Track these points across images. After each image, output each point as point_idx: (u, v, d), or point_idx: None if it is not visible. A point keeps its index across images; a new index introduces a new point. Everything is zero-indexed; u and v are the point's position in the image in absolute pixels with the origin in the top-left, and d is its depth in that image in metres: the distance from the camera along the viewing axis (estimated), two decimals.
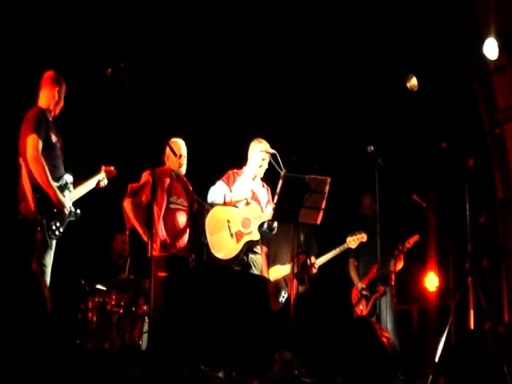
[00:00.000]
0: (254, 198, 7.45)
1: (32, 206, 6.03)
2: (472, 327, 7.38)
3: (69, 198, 6.28)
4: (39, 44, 7.59)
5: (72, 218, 6.27)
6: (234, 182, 7.45)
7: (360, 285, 8.44)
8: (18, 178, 6.18)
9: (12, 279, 5.44)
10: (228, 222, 7.24)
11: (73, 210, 6.28)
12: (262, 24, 9.02)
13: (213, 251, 7.10)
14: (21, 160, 6.26)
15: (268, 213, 7.21)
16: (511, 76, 8.87)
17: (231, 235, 7.20)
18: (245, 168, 7.57)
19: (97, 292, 7.27)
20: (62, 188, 6.25)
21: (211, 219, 7.22)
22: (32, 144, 6.13)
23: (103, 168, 6.73)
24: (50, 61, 7.00)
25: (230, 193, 7.35)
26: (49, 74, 6.46)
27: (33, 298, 5.41)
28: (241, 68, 9.15)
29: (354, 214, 8.76)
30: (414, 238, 8.42)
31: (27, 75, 7.01)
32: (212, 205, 7.28)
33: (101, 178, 6.69)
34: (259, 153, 7.42)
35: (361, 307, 8.30)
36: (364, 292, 8.36)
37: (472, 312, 7.45)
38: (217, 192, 7.31)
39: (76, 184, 6.43)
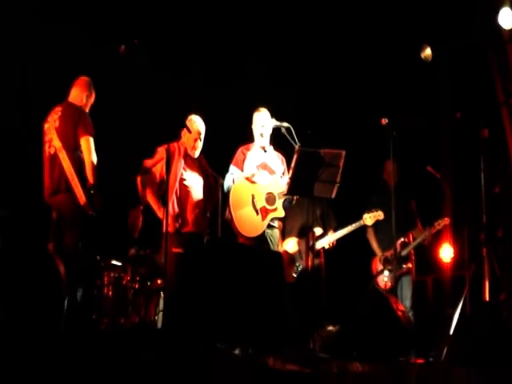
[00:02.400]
0: (268, 169, 7.45)
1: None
2: (487, 298, 7.37)
3: None
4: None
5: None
6: (244, 159, 7.47)
7: (382, 255, 8.41)
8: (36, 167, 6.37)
9: (29, 259, 5.50)
10: (253, 197, 7.25)
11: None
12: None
13: (239, 228, 7.14)
14: (54, 149, 6.54)
15: None
16: None
17: (256, 212, 7.22)
18: (255, 142, 7.57)
19: (112, 267, 7.28)
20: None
21: (235, 194, 7.24)
22: (91, 147, 6.50)
23: None
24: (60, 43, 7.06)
25: (239, 173, 7.37)
26: (88, 79, 6.78)
27: (49, 277, 5.46)
28: (255, 43, 9.11)
29: (374, 182, 8.65)
30: (445, 221, 8.34)
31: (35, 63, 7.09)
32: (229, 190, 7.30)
33: None
34: (257, 122, 7.45)
35: (385, 279, 8.24)
36: (387, 265, 8.30)
37: (487, 283, 7.43)
38: (227, 179, 7.35)
39: None
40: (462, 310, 7.30)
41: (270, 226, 7.33)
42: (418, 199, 8.66)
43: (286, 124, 7.15)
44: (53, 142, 6.57)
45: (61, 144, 6.50)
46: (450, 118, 8.40)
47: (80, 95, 6.72)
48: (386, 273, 8.26)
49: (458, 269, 8.80)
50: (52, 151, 6.58)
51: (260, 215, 7.23)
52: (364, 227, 8.10)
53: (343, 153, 6.64)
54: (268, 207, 7.25)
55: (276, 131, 7.31)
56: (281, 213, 7.30)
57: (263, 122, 7.43)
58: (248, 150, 7.52)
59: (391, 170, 8.15)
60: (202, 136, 7.22)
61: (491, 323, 5.90)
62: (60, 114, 6.66)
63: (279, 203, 7.27)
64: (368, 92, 9.33)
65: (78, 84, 6.75)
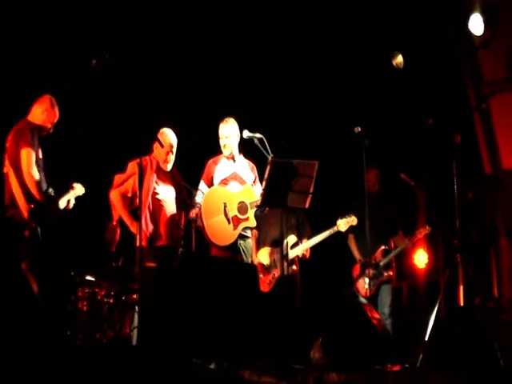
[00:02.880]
0: (238, 179, 7.44)
1: (25, 214, 6.36)
2: (462, 303, 7.39)
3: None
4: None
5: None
6: (213, 172, 7.46)
7: (362, 261, 8.43)
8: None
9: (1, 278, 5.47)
10: (225, 205, 7.22)
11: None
12: (246, 5, 8.95)
13: (210, 237, 7.10)
14: (6, 168, 6.63)
15: None
16: (496, 51, 8.82)
17: (228, 220, 7.19)
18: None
19: (86, 282, 7.25)
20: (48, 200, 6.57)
21: (207, 202, 7.21)
22: (27, 158, 6.48)
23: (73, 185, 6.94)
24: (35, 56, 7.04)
25: (206, 189, 7.38)
26: (49, 97, 6.81)
27: (23, 296, 5.43)
28: (227, 53, 9.12)
29: (350, 189, 8.69)
30: (426, 230, 8.38)
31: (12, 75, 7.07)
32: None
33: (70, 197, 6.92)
34: (221, 133, 7.45)
35: (365, 286, 8.29)
36: (368, 272, 8.33)
37: (461, 288, 7.46)
38: (197, 196, 7.36)
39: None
40: (436, 315, 7.32)
41: (243, 237, 7.33)
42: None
43: (258, 135, 7.12)
44: (5, 162, 6.70)
45: (8, 162, 6.64)
46: (423, 124, 8.40)
47: (37, 112, 6.78)
48: (367, 280, 8.30)
49: (433, 274, 8.84)
50: (5, 170, 6.71)
51: (232, 224, 7.20)
52: (340, 234, 8.10)
53: (316, 163, 6.62)
54: (240, 216, 7.23)
55: (249, 142, 7.29)
56: (252, 222, 7.28)
57: (227, 132, 7.42)
58: (216, 163, 7.51)
59: (373, 177, 8.24)
60: (174, 149, 7.20)
61: (466, 328, 5.92)
62: (12, 132, 6.75)
63: (251, 213, 7.25)
64: (341, 101, 9.34)
65: (38, 101, 6.83)
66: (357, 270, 8.51)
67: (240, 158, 7.58)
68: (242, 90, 9.03)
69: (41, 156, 6.68)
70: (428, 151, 9.21)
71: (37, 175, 6.48)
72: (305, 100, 9.49)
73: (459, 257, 7.55)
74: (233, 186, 7.40)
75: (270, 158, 6.78)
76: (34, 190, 6.41)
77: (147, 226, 6.93)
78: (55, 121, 6.81)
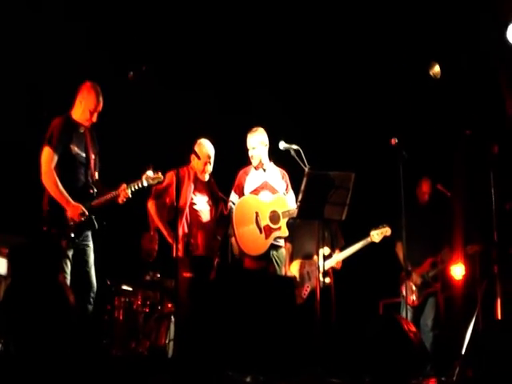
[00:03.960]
0: (269, 188, 7.41)
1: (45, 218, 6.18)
2: (499, 316, 7.32)
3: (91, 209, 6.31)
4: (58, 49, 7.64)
5: (91, 228, 6.35)
6: (244, 182, 7.44)
7: (415, 276, 8.42)
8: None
9: (39, 290, 5.50)
10: (257, 214, 7.20)
11: (94, 220, 6.33)
12: (278, 18, 8.97)
13: (241, 246, 7.08)
14: None
15: (294, 208, 7.10)
16: None
17: (260, 230, 7.18)
18: None
19: (123, 292, 7.30)
20: (83, 199, 6.29)
21: (239, 211, 7.19)
22: (44, 157, 6.22)
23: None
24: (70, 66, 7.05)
25: (238, 199, 7.35)
26: (87, 84, 6.44)
27: (59, 308, 5.46)
28: (264, 65, 9.14)
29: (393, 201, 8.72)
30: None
31: (48, 81, 7.06)
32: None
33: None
34: (248, 143, 7.44)
35: (413, 298, 8.31)
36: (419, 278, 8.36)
37: (499, 301, 7.38)
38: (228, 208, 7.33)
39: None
40: (474, 328, 7.26)
41: (275, 247, 7.28)
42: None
43: (295, 146, 7.10)
44: None
45: None
46: (461, 135, 8.34)
47: (76, 103, 6.43)
48: (414, 288, 8.29)
49: (470, 286, 8.77)
50: None
51: (263, 233, 7.18)
52: (373, 244, 8.07)
53: (353, 175, 6.60)
54: (272, 226, 7.21)
55: (285, 153, 7.28)
56: (285, 232, 7.25)
57: (253, 143, 7.41)
58: (246, 173, 7.49)
59: (426, 187, 8.48)
60: (212, 160, 7.21)
61: (503, 341, 5.85)
62: None
63: (283, 222, 7.22)
64: (378, 112, 9.32)
65: (78, 93, 6.47)
66: (403, 277, 8.48)
67: (270, 167, 7.56)
68: (278, 101, 9.04)
69: (74, 152, 6.33)
70: (465, 162, 9.17)
71: (53, 175, 6.17)
72: (342, 111, 9.48)
73: (497, 269, 7.46)
74: (264, 195, 7.37)
75: (306, 170, 6.77)
76: (52, 192, 6.15)
77: (184, 236, 6.96)
78: (95, 107, 6.36)
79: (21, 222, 6.92)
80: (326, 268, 7.64)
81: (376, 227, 7.88)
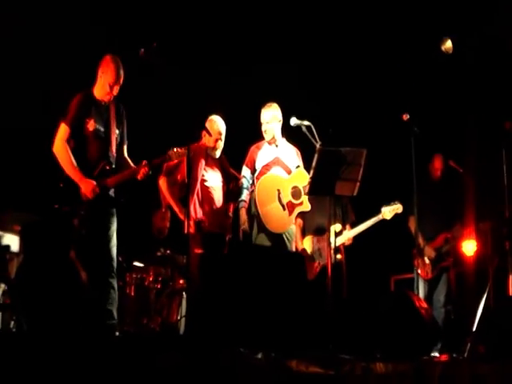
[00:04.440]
0: (281, 164, 7.42)
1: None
2: (511, 293, 7.31)
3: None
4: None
5: (108, 206, 6.24)
6: (256, 157, 7.45)
7: (429, 250, 8.43)
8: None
9: (53, 266, 5.53)
10: (278, 192, 7.23)
11: (111, 195, 6.25)
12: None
13: (266, 224, 7.12)
14: None
15: None
16: None
17: (283, 207, 7.21)
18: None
19: (134, 268, 7.33)
20: (99, 175, 6.16)
21: (261, 190, 7.21)
22: (58, 132, 6.14)
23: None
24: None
25: (250, 175, 7.37)
26: (104, 59, 6.28)
27: (71, 285, 5.49)
28: (273, 40, 9.09)
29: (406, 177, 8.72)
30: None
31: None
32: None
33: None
34: (262, 118, 7.44)
35: (427, 271, 8.33)
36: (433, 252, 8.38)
37: (511, 277, 7.37)
38: (242, 183, 7.33)
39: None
40: (485, 304, 7.26)
41: None
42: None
43: (306, 122, 7.06)
44: None
45: None
46: (472, 111, 8.33)
47: (97, 77, 6.28)
48: (427, 261, 8.30)
49: (482, 263, 8.77)
50: None
51: (287, 210, 7.23)
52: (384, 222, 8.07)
53: (364, 151, 6.56)
54: (294, 201, 7.25)
55: (297, 129, 7.25)
56: (307, 206, 7.30)
57: (268, 117, 7.41)
58: (259, 148, 7.49)
59: (439, 164, 8.53)
60: (223, 136, 7.20)
61: None
62: None
63: (305, 197, 7.26)
64: (389, 88, 9.28)
65: (99, 68, 6.30)
66: (417, 252, 8.48)
67: (283, 143, 7.56)
68: (291, 78, 9.01)
69: (93, 127, 6.17)
70: (477, 138, 9.14)
71: (65, 150, 6.08)
72: (354, 88, 9.45)
73: (508, 245, 7.45)
74: (276, 171, 7.39)
75: (318, 146, 6.74)
76: (64, 167, 6.05)
77: (196, 212, 6.97)
78: (114, 80, 6.19)
79: (33, 200, 6.93)
80: (337, 244, 7.64)
81: (387, 204, 7.86)
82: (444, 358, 6.36)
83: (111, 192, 6.25)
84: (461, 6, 8.71)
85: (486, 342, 5.81)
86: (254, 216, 7.21)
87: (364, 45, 9.28)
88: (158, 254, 7.82)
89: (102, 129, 6.24)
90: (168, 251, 7.72)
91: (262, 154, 7.45)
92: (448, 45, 8.28)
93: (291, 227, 7.41)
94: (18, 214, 7.26)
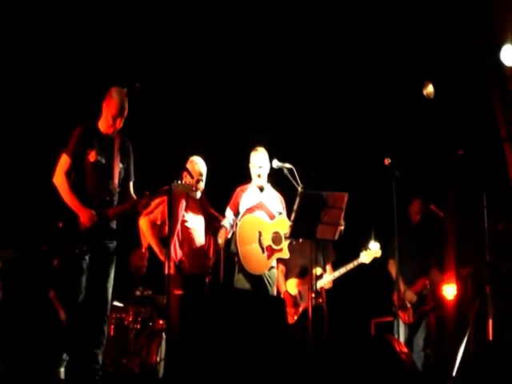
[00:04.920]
0: (264, 209, 7.40)
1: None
2: (491, 337, 7.31)
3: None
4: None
5: (108, 237, 6.17)
6: (240, 201, 7.42)
7: (410, 294, 8.41)
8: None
9: (30, 306, 5.51)
10: (260, 234, 7.22)
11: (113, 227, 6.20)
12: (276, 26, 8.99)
13: (244, 264, 7.08)
14: None
15: None
16: None
17: (262, 250, 7.19)
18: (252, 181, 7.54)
19: (114, 308, 7.26)
20: (98, 206, 6.07)
21: (243, 229, 7.17)
22: (58, 164, 6.09)
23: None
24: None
25: (233, 217, 7.36)
26: (110, 89, 6.21)
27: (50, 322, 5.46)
28: (252, 77, 9.18)
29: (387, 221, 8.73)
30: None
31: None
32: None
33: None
34: (254, 162, 7.41)
35: (408, 315, 8.34)
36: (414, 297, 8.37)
37: (491, 321, 7.38)
38: (223, 222, 7.30)
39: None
40: (465, 348, 7.24)
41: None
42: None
43: (288, 165, 7.11)
44: None
45: None
46: (453, 155, 8.36)
47: (103, 111, 6.22)
48: (409, 305, 8.30)
49: (462, 306, 8.77)
50: None
51: (266, 253, 7.20)
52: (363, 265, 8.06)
53: (346, 195, 6.59)
54: (274, 247, 7.24)
55: (278, 172, 7.27)
56: (286, 254, 7.30)
57: (260, 162, 7.40)
58: (243, 191, 7.48)
59: (417, 207, 8.57)
60: (204, 177, 7.19)
61: (495, 363, 5.83)
62: None
63: (285, 244, 7.26)
64: (370, 132, 9.33)
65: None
66: (396, 296, 8.47)
67: (268, 188, 7.56)
68: (271, 120, 9.04)
69: (94, 159, 6.09)
70: (458, 182, 9.18)
71: (63, 181, 6.01)
72: (336, 131, 9.49)
73: (489, 289, 7.46)
74: (259, 214, 7.37)
75: (299, 190, 6.78)
76: (63, 196, 5.98)
77: (176, 253, 6.93)
78: (117, 113, 6.12)
79: (14, 237, 6.88)
80: (317, 287, 7.64)
81: (366, 249, 7.88)
82: None
83: (113, 224, 6.20)
84: (440, 51, 8.79)
85: None
86: (232, 254, 7.19)
87: (347, 86, 9.32)
88: (138, 293, 7.77)
89: (104, 161, 6.17)
90: (148, 292, 7.68)
91: (247, 197, 7.44)
92: (430, 89, 8.37)
93: (273, 271, 7.38)
94: None
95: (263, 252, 7.19)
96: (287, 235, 7.02)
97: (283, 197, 7.61)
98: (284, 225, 7.25)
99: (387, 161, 7.20)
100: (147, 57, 8.39)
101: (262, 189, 7.50)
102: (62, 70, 7.82)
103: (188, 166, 7.01)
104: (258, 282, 7.17)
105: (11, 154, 7.58)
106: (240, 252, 7.08)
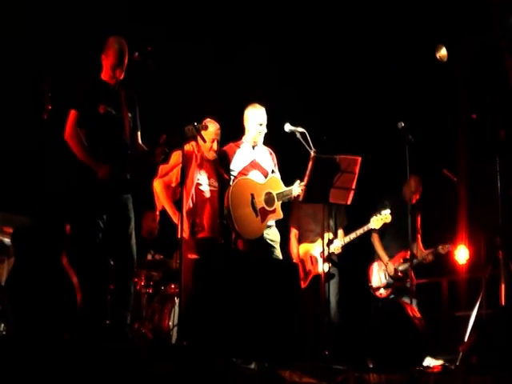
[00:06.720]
0: (258, 167, 7.22)
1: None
2: (503, 303, 7.29)
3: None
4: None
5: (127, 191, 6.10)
6: (232, 156, 7.21)
7: (391, 265, 8.34)
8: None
9: (42, 272, 5.50)
10: (252, 196, 7.00)
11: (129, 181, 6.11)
12: None
13: (237, 229, 6.87)
14: None
15: (289, 189, 7.02)
16: None
17: (256, 213, 6.98)
18: (243, 138, 7.33)
19: None
20: (115, 159, 5.96)
21: (235, 193, 6.94)
22: (68, 120, 5.95)
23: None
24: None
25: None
26: (109, 39, 6.05)
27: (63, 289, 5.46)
28: (264, 42, 9.12)
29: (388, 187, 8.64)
30: (449, 248, 8.25)
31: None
32: None
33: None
34: (255, 119, 7.21)
35: (381, 291, 8.29)
36: (398, 273, 8.26)
37: (503, 287, 7.35)
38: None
39: None
40: (477, 313, 7.24)
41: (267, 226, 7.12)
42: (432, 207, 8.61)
43: (300, 129, 6.96)
44: None
45: None
46: (467, 119, 8.29)
47: (103, 63, 6.08)
48: (383, 279, 8.26)
49: (474, 271, 8.75)
50: None
51: (259, 217, 7.00)
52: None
53: (359, 159, 6.54)
54: (267, 208, 7.02)
55: (290, 136, 7.19)
56: (279, 214, 7.10)
57: (262, 119, 7.19)
58: (238, 146, 7.29)
59: (413, 184, 8.24)
60: (219, 136, 7.06)
61: (508, 328, 5.83)
62: None
63: (278, 204, 7.06)
64: (383, 95, 9.27)
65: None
66: (372, 268, 8.45)
67: (259, 145, 7.34)
68: (287, 86, 8.97)
69: (103, 111, 5.96)
70: (471, 147, 9.13)
71: (76, 136, 5.87)
72: (349, 95, 9.44)
73: (501, 254, 7.43)
74: (253, 175, 7.18)
75: (312, 154, 6.69)
76: (77, 153, 5.86)
77: (190, 217, 6.87)
78: (116, 62, 5.96)
79: (26, 202, 6.85)
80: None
81: (377, 212, 7.82)
82: (437, 368, 6.33)
83: (128, 176, 6.12)
84: (454, 14, 8.70)
85: (479, 352, 5.79)
86: (226, 218, 6.98)
87: (359, 51, 9.27)
88: (148, 256, 7.76)
89: (114, 112, 6.06)
90: (159, 255, 7.68)
91: (241, 153, 7.25)
92: (443, 52, 8.27)
93: (273, 229, 7.17)
94: (11, 215, 7.19)
95: (257, 215, 6.97)
96: (287, 196, 6.98)
97: (284, 156, 7.49)
98: (276, 184, 7.13)
99: (400, 124, 7.17)
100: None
101: (253, 146, 7.31)
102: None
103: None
104: (260, 244, 7.03)
105: (22, 120, 7.52)
106: (233, 217, 6.85)
